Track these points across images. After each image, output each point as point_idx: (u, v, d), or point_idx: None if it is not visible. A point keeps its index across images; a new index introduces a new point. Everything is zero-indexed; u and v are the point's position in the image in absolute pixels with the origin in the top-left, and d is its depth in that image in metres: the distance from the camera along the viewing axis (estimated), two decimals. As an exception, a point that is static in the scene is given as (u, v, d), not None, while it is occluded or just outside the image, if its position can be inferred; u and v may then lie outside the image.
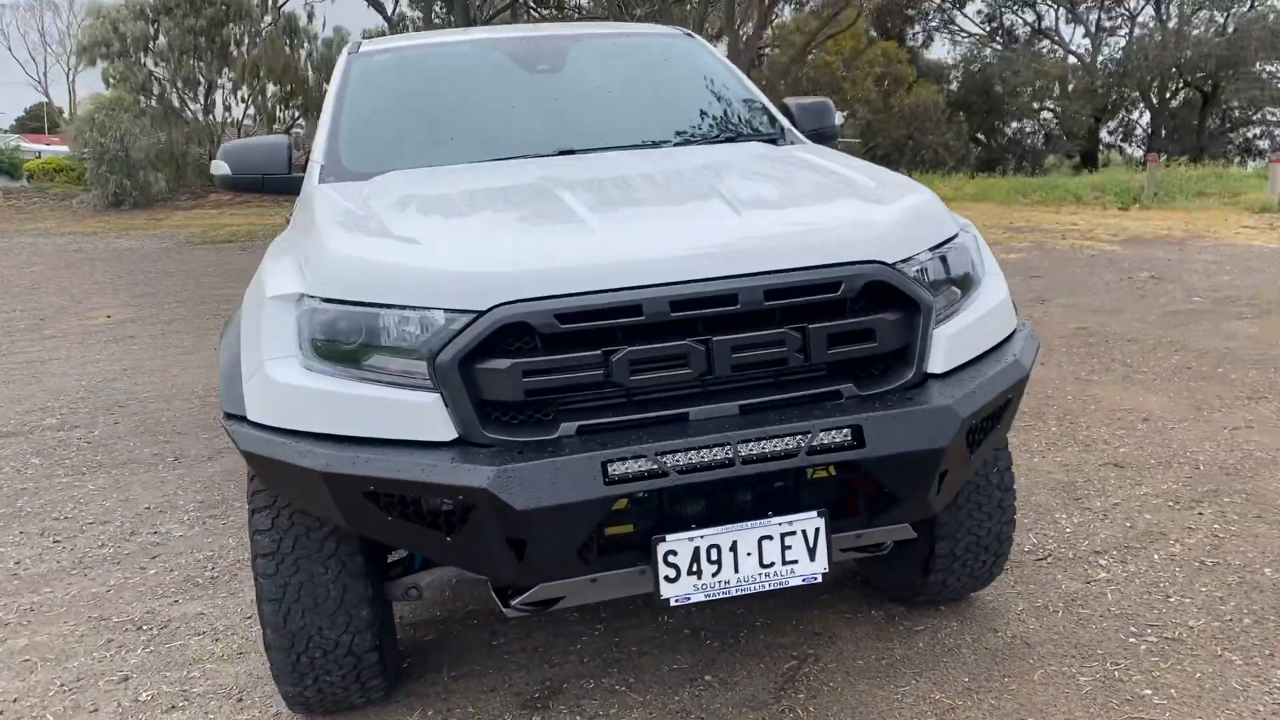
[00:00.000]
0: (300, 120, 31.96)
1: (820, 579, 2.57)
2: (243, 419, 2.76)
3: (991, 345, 2.92)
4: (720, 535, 2.51)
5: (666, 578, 2.50)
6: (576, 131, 3.89)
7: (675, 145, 3.88)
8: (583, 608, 3.84)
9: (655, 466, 2.41)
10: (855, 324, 2.62)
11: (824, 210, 2.89)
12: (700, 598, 2.52)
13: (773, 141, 3.99)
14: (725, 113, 4.16)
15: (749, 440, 2.46)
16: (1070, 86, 34.81)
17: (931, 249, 2.82)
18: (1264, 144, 37.86)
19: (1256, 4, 32.29)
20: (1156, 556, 4.02)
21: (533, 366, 2.46)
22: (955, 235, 2.95)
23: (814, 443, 2.49)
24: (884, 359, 2.70)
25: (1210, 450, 5.22)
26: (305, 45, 31.57)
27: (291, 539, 2.91)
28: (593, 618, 3.80)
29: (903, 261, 2.71)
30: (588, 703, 3.24)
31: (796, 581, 2.57)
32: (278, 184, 3.92)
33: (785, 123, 4.18)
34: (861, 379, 2.68)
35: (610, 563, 2.56)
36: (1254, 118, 37.02)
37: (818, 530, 2.55)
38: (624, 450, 2.41)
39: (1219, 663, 3.23)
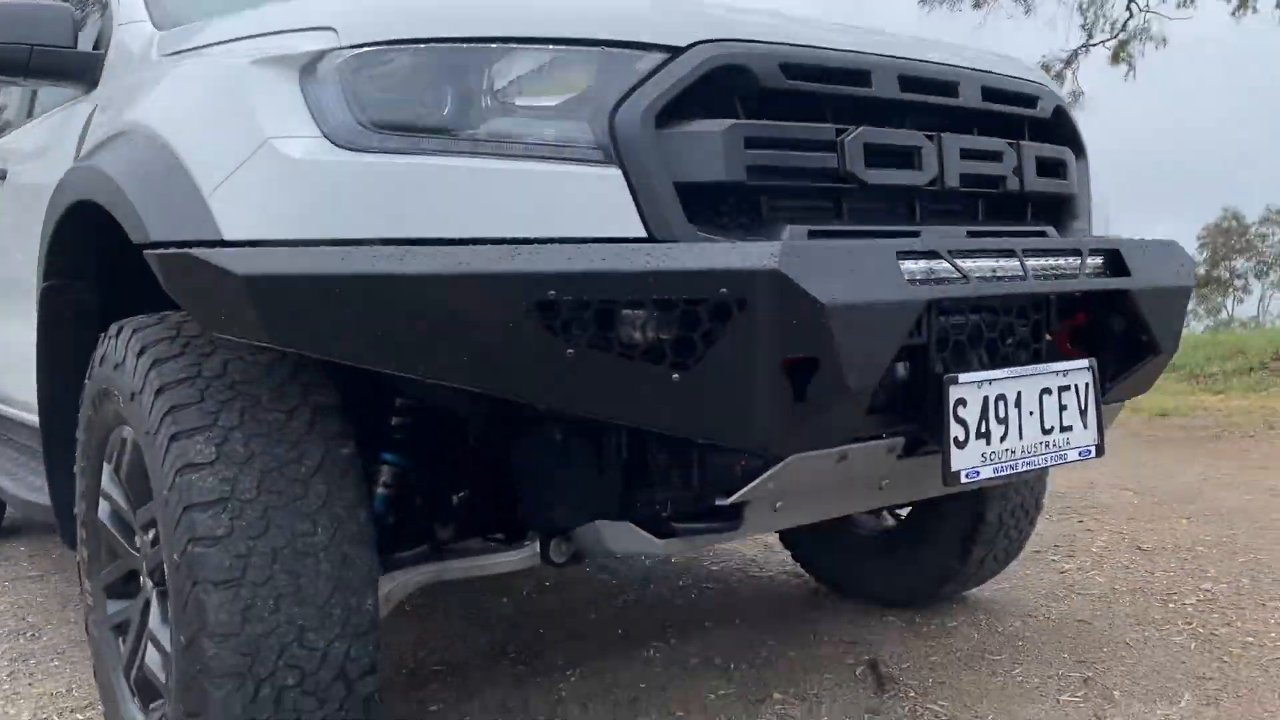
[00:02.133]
0: None
1: (1094, 453, 1.93)
2: (211, 244, 1.60)
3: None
4: (1007, 382, 1.78)
5: (956, 440, 1.71)
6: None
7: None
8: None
9: (953, 270, 1.67)
10: (1053, 151, 2.13)
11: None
12: (989, 473, 1.76)
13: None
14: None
15: (1033, 254, 1.82)
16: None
17: None
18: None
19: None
20: (1094, 548, 3.77)
21: (759, 133, 1.65)
22: None
23: (1090, 267, 1.90)
24: (1064, 206, 2.21)
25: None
26: None
27: (255, 475, 1.71)
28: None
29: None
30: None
31: (1074, 455, 1.90)
32: (53, 63, 2.62)
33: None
34: (1056, 225, 2.16)
35: (876, 422, 1.72)
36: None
37: (1088, 386, 1.92)
38: (915, 244, 1.66)
39: (1274, 611, 2.96)
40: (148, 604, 2.02)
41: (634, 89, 1.61)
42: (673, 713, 2.39)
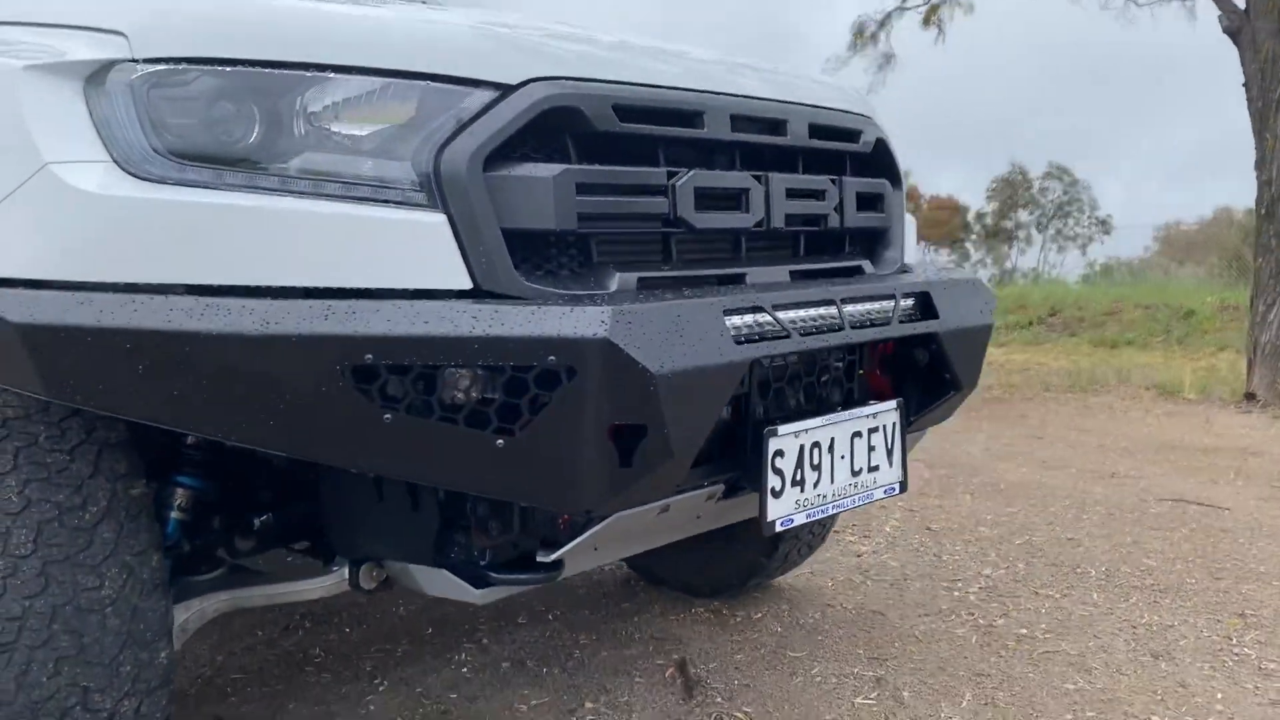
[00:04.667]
0: None
1: (898, 489, 2.01)
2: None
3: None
4: (821, 430, 1.83)
5: (773, 490, 1.74)
6: None
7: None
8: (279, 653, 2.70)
9: (776, 325, 1.69)
10: (871, 185, 2.18)
11: (814, 76, 2.40)
12: (802, 518, 1.81)
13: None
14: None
15: (850, 301, 1.86)
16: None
17: None
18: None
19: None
20: (888, 529, 3.98)
21: (591, 179, 1.60)
22: None
23: (901, 310, 1.96)
24: (879, 237, 2.26)
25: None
26: None
27: (31, 527, 1.56)
28: (338, 668, 2.67)
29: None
30: (456, 766, 2.21)
31: (880, 494, 1.98)
32: None
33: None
34: (871, 256, 2.21)
35: (699, 474, 1.72)
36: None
37: (895, 425, 2.00)
38: (740, 300, 1.65)
39: (1044, 599, 3.21)
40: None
41: (461, 129, 1.52)
42: (487, 729, 2.38)
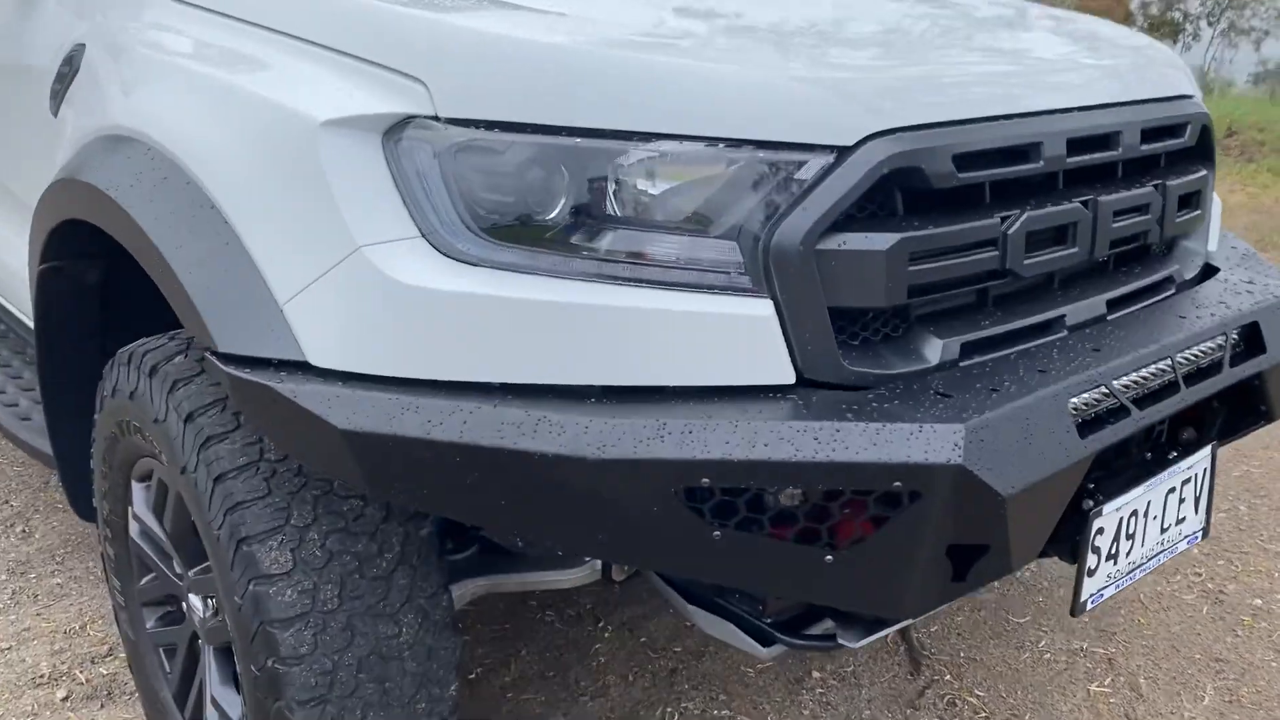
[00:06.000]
0: None
1: (1200, 538, 1.87)
2: (292, 366, 1.37)
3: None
4: (1140, 497, 1.68)
5: (1089, 570, 1.63)
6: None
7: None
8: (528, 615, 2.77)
9: (1117, 403, 1.52)
10: (1193, 183, 1.91)
11: (1121, 38, 2.11)
12: (1111, 591, 1.69)
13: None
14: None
15: (1183, 350, 1.67)
16: None
17: None
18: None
19: None
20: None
21: (926, 245, 1.43)
22: None
23: (1234, 349, 1.76)
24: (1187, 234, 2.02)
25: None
26: None
27: (335, 582, 1.56)
28: (567, 617, 2.73)
29: (1202, 109, 2.03)
30: (695, 742, 2.26)
31: (1183, 546, 1.84)
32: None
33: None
34: (1176, 254, 1.99)
35: (1015, 560, 1.62)
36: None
37: (1206, 471, 1.83)
38: (1081, 380, 1.49)
39: (1274, 558, 3.05)
40: (196, 639, 1.91)
41: (795, 204, 1.36)
42: (715, 697, 2.41)
